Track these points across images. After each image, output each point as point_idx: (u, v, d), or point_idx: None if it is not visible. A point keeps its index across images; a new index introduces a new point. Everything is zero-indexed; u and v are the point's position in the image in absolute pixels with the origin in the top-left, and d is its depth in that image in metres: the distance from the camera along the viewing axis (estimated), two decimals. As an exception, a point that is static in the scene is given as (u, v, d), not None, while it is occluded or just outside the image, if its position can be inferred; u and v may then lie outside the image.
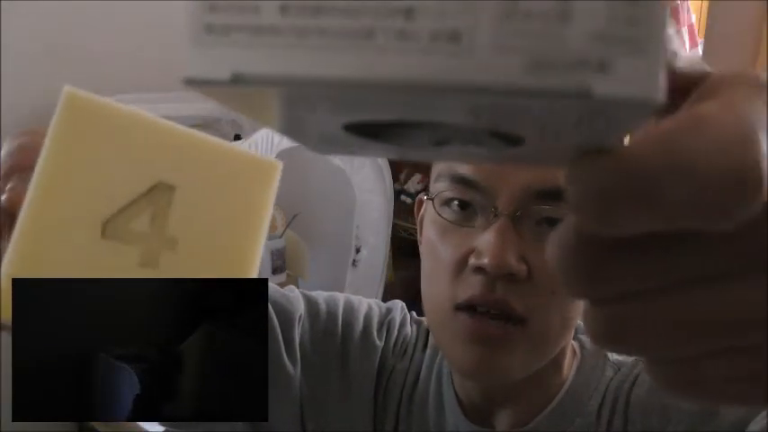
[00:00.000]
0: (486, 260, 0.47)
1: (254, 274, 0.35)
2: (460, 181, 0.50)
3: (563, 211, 0.48)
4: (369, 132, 0.18)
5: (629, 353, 0.18)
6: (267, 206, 0.34)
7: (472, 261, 0.49)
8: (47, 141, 0.31)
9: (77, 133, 0.32)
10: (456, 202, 0.51)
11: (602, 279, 0.17)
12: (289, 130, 0.19)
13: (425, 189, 0.56)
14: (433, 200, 0.53)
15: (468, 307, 0.49)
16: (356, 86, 0.14)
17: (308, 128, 0.18)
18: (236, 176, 0.34)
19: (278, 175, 0.34)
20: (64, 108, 0.32)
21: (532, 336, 0.49)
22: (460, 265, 0.50)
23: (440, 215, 0.52)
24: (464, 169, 0.50)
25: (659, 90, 0.13)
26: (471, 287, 0.49)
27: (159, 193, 0.32)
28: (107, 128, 0.32)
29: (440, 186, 0.52)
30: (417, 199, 0.61)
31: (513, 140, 0.17)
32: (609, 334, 0.18)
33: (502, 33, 0.13)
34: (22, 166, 0.33)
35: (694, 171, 0.14)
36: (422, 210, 0.59)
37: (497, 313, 0.48)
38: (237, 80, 0.14)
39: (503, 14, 0.13)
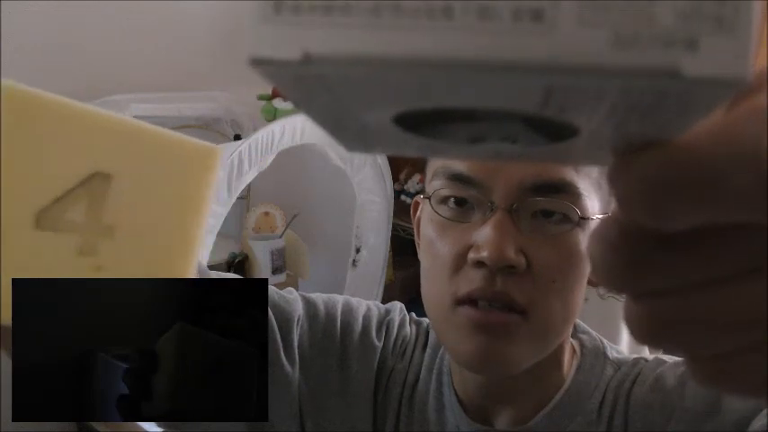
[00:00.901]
0: (485, 253, 0.48)
1: (193, 260, 0.35)
2: (456, 178, 0.51)
3: (558, 203, 0.49)
4: (410, 125, 0.17)
5: (670, 349, 0.18)
6: (207, 192, 0.34)
7: (471, 255, 0.49)
8: None
9: (13, 126, 0.31)
10: (452, 200, 0.52)
11: (646, 275, 0.17)
12: (334, 122, 0.18)
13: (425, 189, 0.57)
14: (429, 198, 0.53)
15: (469, 300, 0.49)
16: (432, 67, 0.14)
17: (354, 120, 0.18)
18: (175, 164, 0.34)
19: (218, 161, 0.34)
20: (1, 103, 0.31)
21: (534, 326, 0.49)
22: (460, 261, 0.50)
23: (437, 213, 0.52)
24: (459, 166, 0.51)
25: (748, 70, 0.13)
26: (471, 282, 0.49)
27: (96, 182, 0.32)
28: (42, 119, 0.32)
29: (436, 185, 0.53)
30: (413, 201, 0.61)
31: (556, 136, 0.17)
32: (651, 330, 0.18)
33: (586, 11, 0.13)
34: None
35: (761, 163, 0.14)
36: (418, 212, 0.59)
37: (499, 306, 0.49)
38: (308, 60, 0.14)
39: None
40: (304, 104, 0.17)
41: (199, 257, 0.36)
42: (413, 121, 0.17)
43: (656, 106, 0.14)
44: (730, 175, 0.14)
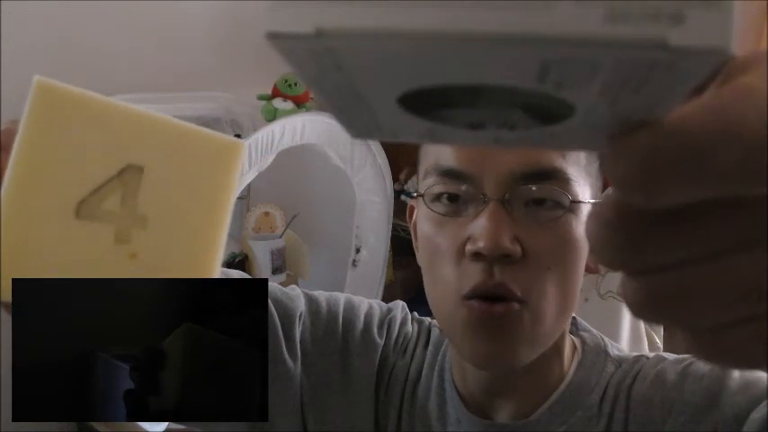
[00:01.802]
0: (481, 244, 0.49)
1: (220, 247, 0.37)
2: (447, 174, 0.52)
3: (549, 189, 0.50)
4: (413, 108, 0.18)
5: (668, 322, 0.19)
6: (232, 183, 0.36)
7: (468, 247, 0.50)
8: (20, 130, 0.33)
9: (49, 121, 0.34)
10: (445, 196, 0.52)
11: (642, 251, 0.18)
12: (342, 103, 0.19)
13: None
14: (423, 197, 0.54)
15: (473, 296, 0.50)
16: (437, 40, 0.15)
17: (361, 101, 0.19)
18: (202, 156, 0.36)
19: (242, 154, 0.36)
20: (35, 98, 0.34)
21: (533, 313, 0.50)
22: (458, 255, 0.51)
23: (432, 210, 0.53)
24: (449, 162, 0.52)
25: (730, 41, 0.14)
26: (472, 277, 0.50)
27: (129, 174, 0.34)
28: (77, 115, 0.34)
29: (428, 182, 0.53)
30: (408, 206, 0.62)
31: (552, 120, 0.18)
32: (649, 305, 0.18)
33: None
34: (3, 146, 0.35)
35: (749, 136, 0.15)
36: (414, 215, 0.60)
37: (498, 298, 0.50)
38: (321, 34, 0.15)
39: None
40: (315, 82, 0.18)
41: (223, 246, 0.37)
42: (416, 105, 0.18)
43: (646, 80, 0.15)
44: (718, 152, 0.15)
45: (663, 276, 0.18)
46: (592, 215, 0.18)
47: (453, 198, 0.52)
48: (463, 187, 0.51)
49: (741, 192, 0.16)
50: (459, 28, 0.14)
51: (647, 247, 0.17)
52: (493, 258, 0.49)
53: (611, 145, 0.17)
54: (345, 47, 0.15)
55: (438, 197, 0.53)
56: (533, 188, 0.50)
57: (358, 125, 0.21)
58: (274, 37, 0.15)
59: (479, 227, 0.49)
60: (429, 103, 0.18)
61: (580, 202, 0.51)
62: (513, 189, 0.50)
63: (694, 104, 0.16)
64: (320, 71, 0.17)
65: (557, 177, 0.50)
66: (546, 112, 0.18)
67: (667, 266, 0.18)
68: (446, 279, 0.52)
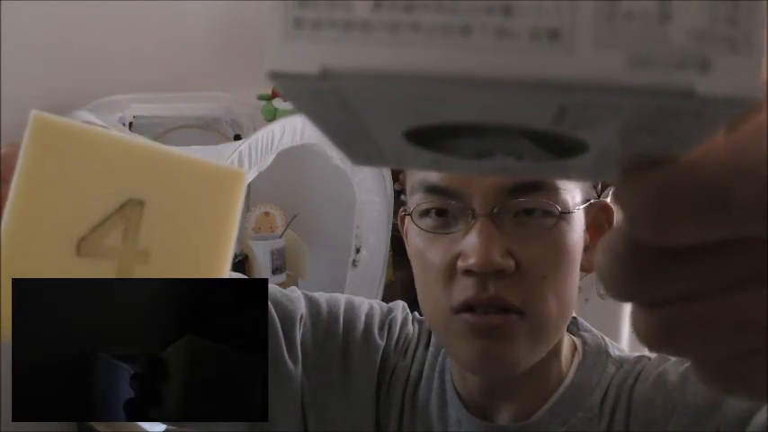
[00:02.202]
0: (472, 261, 0.48)
1: (224, 276, 0.36)
2: (434, 190, 0.52)
3: (537, 201, 0.50)
4: (419, 140, 0.18)
5: (678, 354, 0.19)
6: (234, 214, 0.36)
7: (460, 264, 0.50)
8: (18, 167, 0.33)
9: (47, 157, 0.33)
10: (434, 212, 0.52)
11: (653, 285, 0.17)
12: (345, 137, 0.19)
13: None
14: (411, 214, 0.54)
15: (465, 309, 0.50)
16: (450, 83, 0.14)
17: (365, 135, 0.18)
18: (203, 187, 0.35)
19: (244, 184, 0.36)
20: (33, 132, 0.33)
21: (532, 324, 0.50)
22: (450, 271, 0.51)
23: (420, 227, 0.53)
24: (435, 178, 0.51)
25: (759, 89, 0.14)
26: (465, 290, 0.50)
27: (130, 208, 0.34)
28: (76, 149, 0.33)
29: (416, 199, 0.53)
30: (399, 215, 0.62)
31: (563, 152, 0.17)
32: (659, 337, 0.18)
33: (602, 32, 0.14)
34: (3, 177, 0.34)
35: (765, 179, 0.15)
36: (405, 224, 0.60)
37: (495, 310, 0.49)
38: (326, 74, 0.14)
39: (603, 14, 0.14)
40: (319, 119, 0.17)
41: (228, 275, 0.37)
42: (421, 136, 0.17)
43: (669, 124, 0.15)
44: (735, 192, 0.15)
45: (673, 309, 0.18)
46: (601, 245, 0.18)
47: (441, 213, 0.52)
48: (451, 203, 0.51)
49: (757, 233, 0.16)
50: (471, 72, 0.14)
51: (658, 281, 0.17)
52: (486, 275, 0.49)
53: (625, 180, 0.16)
54: (352, 87, 0.15)
55: (426, 213, 0.53)
56: (521, 201, 0.50)
57: (361, 155, 0.21)
58: (277, 77, 0.15)
59: (470, 244, 0.49)
60: (435, 135, 0.17)
61: (570, 212, 0.51)
62: (501, 202, 0.49)
63: (709, 143, 0.15)
64: (324, 109, 0.16)
65: (544, 188, 0.50)
66: (557, 146, 0.17)
67: (678, 299, 0.17)
68: (438, 294, 0.52)
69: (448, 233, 0.52)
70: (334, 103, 0.16)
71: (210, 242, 0.35)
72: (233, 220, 0.35)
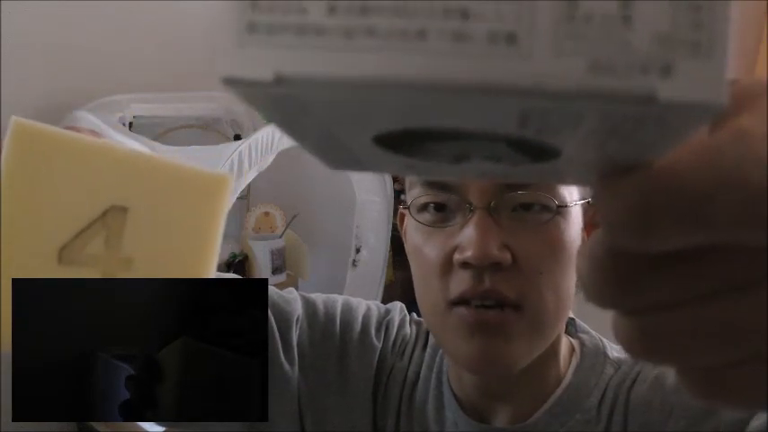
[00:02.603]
0: (469, 254, 0.49)
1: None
2: (432, 184, 0.52)
3: (534, 195, 0.50)
4: (392, 145, 0.17)
5: (661, 362, 0.19)
6: (219, 219, 0.35)
7: (457, 257, 0.50)
8: None
9: (28, 164, 0.33)
10: (432, 206, 0.52)
11: (634, 292, 0.17)
12: (314, 143, 0.18)
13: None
14: (409, 208, 0.54)
15: (461, 302, 0.50)
16: (406, 89, 0.13)
17: (335, 140, 0.18)
18: (187, 193, 0.34)
19: (229, 189, 0.35)
20: (13, 139, 0.32)
21: (529, 319, 0.50)
22: (447, 265, 0.51)
23: (418, 221, 0.53)
24: None
25: (723, 93, 0.13)
26: (461, 283, 0.50)
27: (112, 215, 0.34)
28: (57, 156, 0.33)
29: (414, 193, 0.54)
30: (399, 213, 0.62)
31: (539, 156, 0.17)
32: (642, 345, 0.18)
33: (561, 36, 0.13)
34: None
35: (745, 185, 0.14)
36: (405, 222, 0.60)
37: (492, 304, 0.49)
38: (281, 81, 0.14)
39: (562, 17, 0.13)
40: (283, 125, 0.17)
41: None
42: (394, 141, 0.17)
43: (635, 129, 0.14)
44: (714, 198, 0.15)
45: (655, 316, 0.17)
46: (581, 253, 0.18)
47: (440, 207, 0.52)
48: (448, 197, 0.51)
49: (738, 239, 0.15)
50: (428, 77, 0.13)
51: (639, 288, 0.17)
52: (482, 267, 0.49)
53: (601, 186, 0.16)
54: (308, 94, 0.14)
55: (424, 207, 0.53)
56: (518, 194, 0.50)
57: (336, 160, 0.20)
58: (230, 82, 0.14)
59: (467, 236, 0.49)
60: (408, 140, 0.17)
61: (566, 206, 0.51)
62: (498, 196, 0.50)
63: (686, 147, 0.15)
64: (285, 115, 0.16)
65: (541, 182, 0.50)
66: (532, 149, 0.17)
67: (659, 306, 0.17)
68: (435, 288, 0.52)
69: (445, 227, 0.52)
70: (296, 109, 0.15)
71: (195, 248, 0.35)
72: (217, 225, 0.35)
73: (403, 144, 0.17)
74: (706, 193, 0.15)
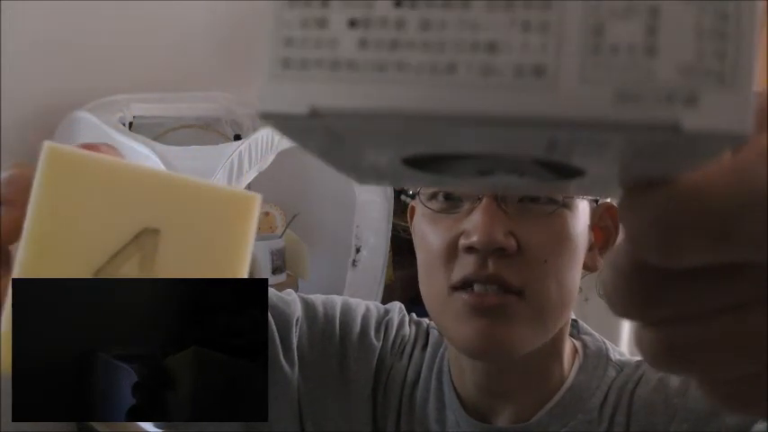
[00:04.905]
0: (474, 238, 0.49)
1: None
2: None
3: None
4: (419, 163, 0.18)
5: (681, 374, 0.19)
6: (249, 238, 0.35)
7: (462, 242, 0.51)
8: (32, 200, 0.32)
9: (61, 188, 0.33)
10: (441, 194, 0.53)
11: (658, 304, 0.17)
12: (346, 165, 0.19)
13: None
14: (419, 196, 0.55)
15: (464, 286, 0.50)
16: (437, 120, 0.14)
17: (366, 162, 0.18)
18: (217, 213, 0.35)
19: (257, 208, 0.36)
20: (46, 163, 0.33)
21: (531, 306, 0.50)
22: (452, 250, 0.52)
23: (427, 207, 0.54)
24: None
25: (748, 123, 0.13)
26: (464, 267, 0.50)
27: (145, 237, 0.34)
28: (89, 180, 0.33)
29: None
30: (409, 206, 0.63)
31: (565, 174, 0.17)
32: (664, 356, 0.18)
33: (587, 67, 0.13)
34: (7, 200, 0.33)
35: None
36: (414, 218, 0.61)
37: (494, 289, 0.50)
38: (315, 114, 0.14)
39: (588, 48, 0.13)
40: (317, 152, 0.18)
41: None
42: (422, 161, 0.18)
43: (660, 154, 0.15)
44: (739, 218, 0.15)
45: (675, 328, 0.17)
46: (607, 262, 0.18)
47: (449, 196, 0.53)
48: None
49: (762, 260, 0.15)
50: (457, 110, 0.14)
51: (662, 300, 0.17)
52: (487, 252, 0.49)
53: (625, 200, 0.16)
54: (342, 125, 0.15)
55: (434, 195, 0.54)
56: None
57: (366, 178, 0.21)
58: (267, 117, 0.15)
59: (473, 222, 0.50)
60: (434, 158, 0.17)
61: (573, 197, 0.51)
62: None
63: (712, 167, 0.15)
64: (320, 144, 0.17)
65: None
66: (557, 167, 0.17)
67: (683, 318, 0.17)
68: (439, 272, 0.52)
69: (453, 213, 0.52)
70: (328, 138, 0.16)
71: (226, 268, 0.35)
72: (248, 244, 0.35)
73: (430, 162, 0.18)
74: (731, 212, 0.15)
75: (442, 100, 0.14)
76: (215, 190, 0.35)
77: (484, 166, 0.18)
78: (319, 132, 0.16)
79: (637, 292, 0.17)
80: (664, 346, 0.18)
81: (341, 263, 1.82)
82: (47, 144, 0.33)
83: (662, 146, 0.14)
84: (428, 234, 0.54)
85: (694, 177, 0.15)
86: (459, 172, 0.19)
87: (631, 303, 0.18)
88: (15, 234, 0.32)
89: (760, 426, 0.45)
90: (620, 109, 0.13)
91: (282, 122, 0.15)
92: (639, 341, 0.19)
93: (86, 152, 0.34)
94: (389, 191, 1.78)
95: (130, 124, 1.51)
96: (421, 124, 0.14)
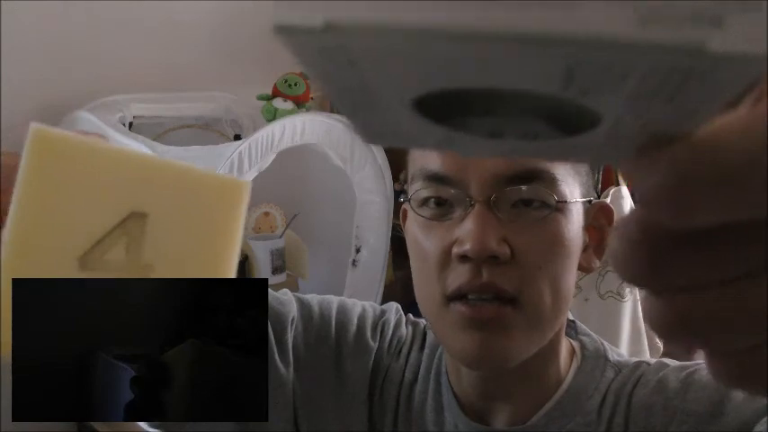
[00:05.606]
0: (467, 246, 0.49)
1: None
2: (433, 178, 0.52)
3: (534, 190, 0.50)
4: (429, 114, 0.17)
5: (692, 344, 0.18)
6: (238, 225, 0.35)
7: (455, 250, 0.50)
8: (18, 183, 0.32)
9: (48, 171, 0.32)
10: (432, 200, 0.53)
11: (667, 271, 0.17)
12: (355, 103, 0.18)
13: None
14: (410, 201, 0.54)
15: (459, 296, 0.50)
16: (454, 38, 0.14)
17: (374, 103, 0.18)
18: (206, 199, 0.34)
19: (247, 195, 0.35)
20: (32, 146, 0.32)
21: (526, 314, 0.50)
22: (445, 258, 0.51)
23: (419, 214, 0.53)
24: (435, 166, 0.52)
25: None
26: (459, 276, 0.50)
27: (132, 222, 0.33)
28: (76, 163, 0.33)
29: (415, 187, 0.54)
30: (402, 209, 0.62)
31: (576, 130, 0.17)
32: (672, 325, 0.17)
33: None
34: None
35: None
36: (407, 219, 0.60)
37: (488, 297, 0.49)
38: (330, 28, 0.14)
39: None
40: (326, 79, 0.17)
41: None
42: (433, 110, 0.17)
43: (678, 89, 0.14)
44: (756, 172, 0.14)
45: (685, 297, 0.17)
46: (615, 230, 0.17)
47: (440, 202, 0.52)
48: (449, 191, 0.51)
49: None
50: (476, 25, 0.13)
51: (670, 268, 0.17)
52: (480, 260, 0.49)
53: (639, 159, 0.16)
54: (356, 42, 0.14)
55: (425, 201, 0.53)
56: (520, 189, 0.50)
57: (371, 130, 0.20)
58: (281, 31, 0.14)
59: (466, 230, 0.49)
60: (446, 110, 0.17)
61: (566, 201, 0.51)
62: (498, 191, 0.50)
63: (728, 120, 0.15)
64: (331, 68, 0.16)
65: (542, 178, 0.50)
66: (569, 122, 0.17)
67: (690, 287, 0.17)
68: (433, 282, 0.52)
69: (445, 220, 0.52)
70: (342, 63, 0.15)
71: (215, 253, 0.35)
72: (237, 230, 0.35)
73: (440, 114, 0.17)
74: (747, 168, 0.14)
75: (460, 16, 0.13)
76: (205, 176, 0.35)
77: (495, 126, 0.18)
78: (333, 54, 0.15)
79: (646, 259, 0.17)
80: (675, 315, 0.17)
81: (341, 263, 1.82)
82: (33, 126, 0.32)
83: (683, 74, 0.14)
84: (421, 242, 0.53)
85: (710, 129, 0.15)
86: (470, 130, 0.18)
87: (641, 271, 0.17)
88: (0, 218, 0.32)
89: (760, 427, 0.45)
90: (643, 30, 0.13)
91: (296, 38, 0.14)
92: (648, 311, 0.18)
93: (74, 135, 0.33)
94: (389, 191, 1.78)
95: (130, 124, 1.52)
96: (437, 42, 0.14)
